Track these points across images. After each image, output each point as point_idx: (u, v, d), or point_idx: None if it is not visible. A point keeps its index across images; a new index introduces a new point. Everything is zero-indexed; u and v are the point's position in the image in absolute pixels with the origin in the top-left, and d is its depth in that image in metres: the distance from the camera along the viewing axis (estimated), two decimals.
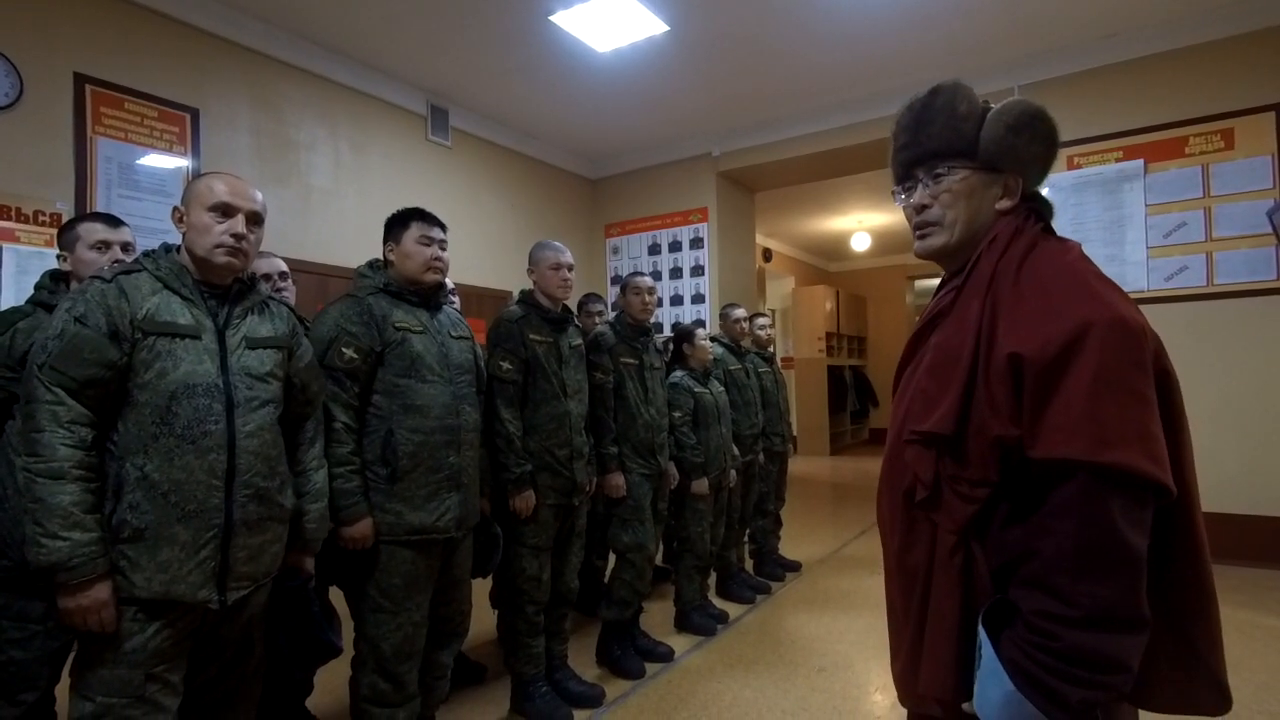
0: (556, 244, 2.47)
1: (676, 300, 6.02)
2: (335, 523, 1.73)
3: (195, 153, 3.63)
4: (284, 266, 2.25)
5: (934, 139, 0.99)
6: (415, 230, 1.96)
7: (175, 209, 1.46)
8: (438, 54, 4.31)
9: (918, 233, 1.05)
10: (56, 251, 1.77)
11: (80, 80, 3.21)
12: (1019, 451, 0.82)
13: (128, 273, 1.39)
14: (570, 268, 2.44)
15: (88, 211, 2.90)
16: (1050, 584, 0.78)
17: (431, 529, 1.84)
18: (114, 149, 3.31)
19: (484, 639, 3.06)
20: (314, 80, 4.20)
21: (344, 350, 1.80)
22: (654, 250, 6.14)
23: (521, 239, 5.45)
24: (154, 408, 1.33)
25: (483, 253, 5.29)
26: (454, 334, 2.02)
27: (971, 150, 0.98)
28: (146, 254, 1.45)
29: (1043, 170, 1.00)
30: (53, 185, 3.11)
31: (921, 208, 1.02)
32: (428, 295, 1.99)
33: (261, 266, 2.21)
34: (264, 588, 1.50)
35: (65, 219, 2.80)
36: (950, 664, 0.88)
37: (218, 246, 1.42)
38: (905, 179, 1.05)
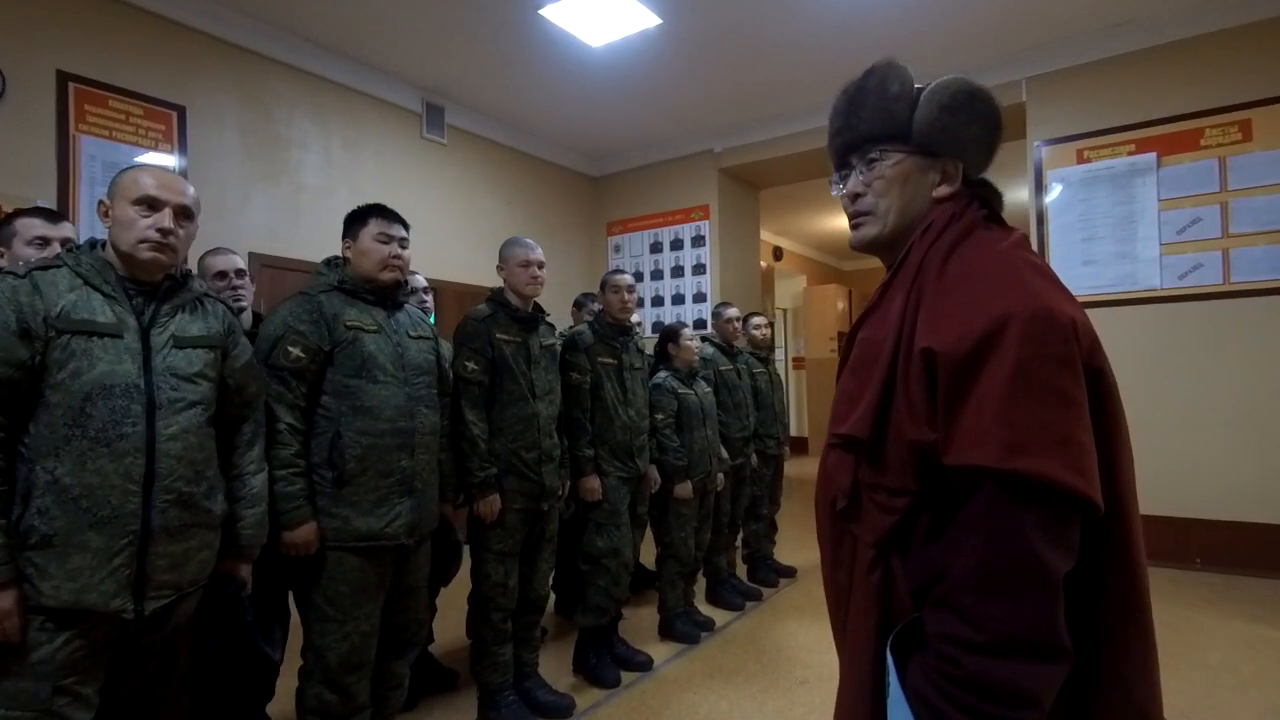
0: (527, 240, 2.40)
1: (678, 299, 5.93)
2: (277, 527, 1.67)
3: (183, 150, 3.61)
4: (241, 264, 2.20)
5: (866, 122, 0.92)
6: (373, 227, 1.90)
7: (101, 202, 1.41)
8: (430, 49, 4.26)
9: (852, 223, 0.98)
10: None
11: (63, 78, 3.20)
12: (937, 458, 0.74)
13: (45, 268, 1.33)
14: (541, 265, 2.37)
15: (57, 209, 2.88)
16: (956, 604, 0.70)
17: (380, 535, 1.77)
18: (98, 147, 3.30)
19: (459, 645, 2.99)
20: (304, 77, 4.17)
21: (290, 349, 1.74)
22: (655, 248, 6.06)
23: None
24: (66, 409, 1.27)
25: (479, 251, 5.22)
26: (413, 334, 1.95)
27: (905, 133, 0.90)
28: (68, 249, 1.40)
29: (985, 153, 0.92)
30: (35, 184, 3.10)
31: (855, 196, 0.95)
32: (384, 294, 1.92)
33: (218, 263, 2.17)
34: (191, 596, 1.44)
35: None
36: (865, 692, 0.81)
37: (141, 241, 1.37)
38: (842, 166, 0.99)
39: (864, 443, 0.81)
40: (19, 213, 1.77)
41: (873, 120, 0.91)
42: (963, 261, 0.80)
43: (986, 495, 0.69)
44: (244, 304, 2.21)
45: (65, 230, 1.76)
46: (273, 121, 4.03)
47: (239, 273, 2.17)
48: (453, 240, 4.91)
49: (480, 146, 5.33)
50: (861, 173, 0.93)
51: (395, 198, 4.75)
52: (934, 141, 0.89)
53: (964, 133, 0.89)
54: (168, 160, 3.54)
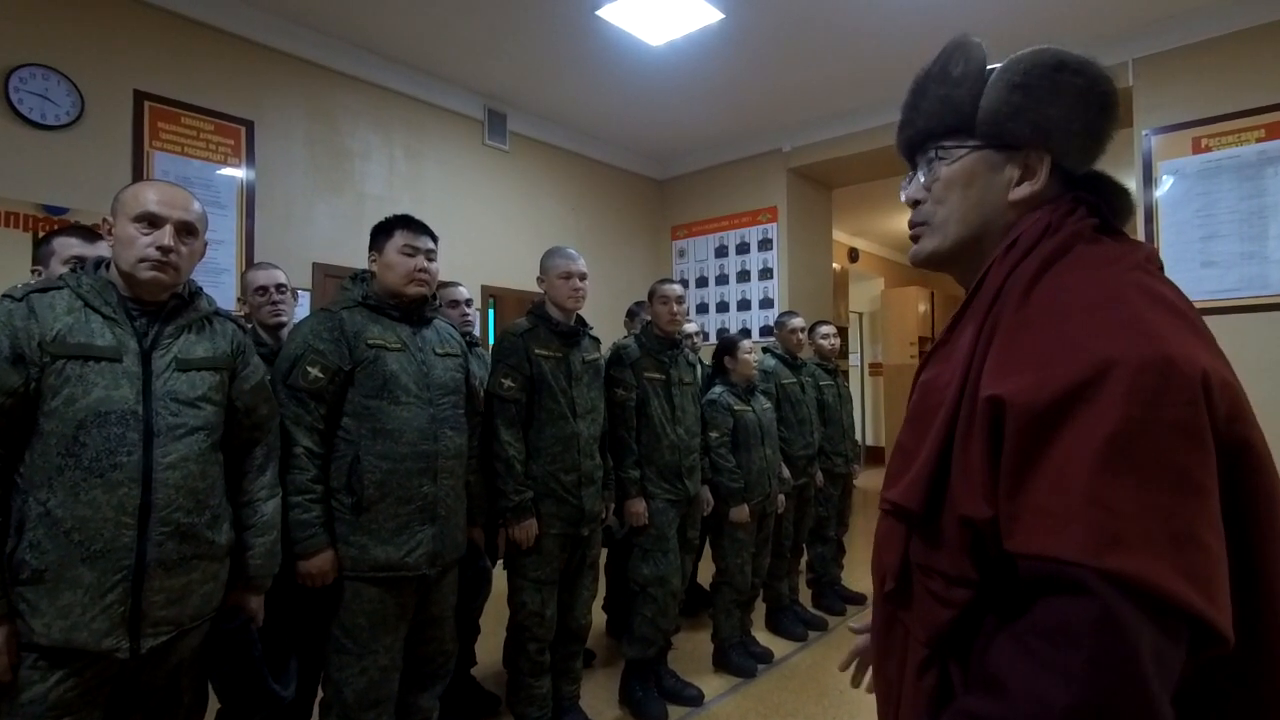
0: (569, 250, 2.27)
1: (743, 305, 5.70)
2: (293, 556, 1.60)
3: (251, 164, 3.69)
4: (283, 278, 2.17)
5: (925, 114, 0.76)
6: (399, 239, 1.81)
7: (104, 220, 1.37)
8: (490, 56, 4.22)
9: (910, 235, 0.82)
10: (31, 266, 1.74)
11: (139, 97, 3.32)
12: (996, 541, 0.57)
13: (44, 290, 1.30)
14: (583, 276, 2.24)
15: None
16: None
17: (400, 565, 1.68)
18: (170, 162, 3.41)
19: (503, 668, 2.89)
20: (367, 88, 4.22)
21: (309, 369, 1.66)
22: (721, 253, 5.85)
23: (583, 243, 5.30)
24: (60, 437, 1.22)
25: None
26: (439, 351, 1.85)
27: (970, 123, 0.72)
28: (73, 270, 1.36)
29: (1087, 141, 0.70)
30: (111, 200, 3.21)
31: (914, 203, 0.79)
32: (410, 309, 1.83)
33: (259, 278, 2.15)
34: (195, 631, 1.38)
35: None
36: None
37: (142, 260, 1.31)
38: (913, 167, 0.82)
39: (915, 514, 0.65)
40: (57, 231, 1.77)
41: (932, 111, 0.75)
42: (1054, 287, 0.62)
43: (1093, 602, 0.49)
44: (284, 319, 2.18)
45: (101, 249, 1.74)
46: (337, 133, 4.08)
47: (279, 287, 2.14)
48: (515, 247, 4.87)
49: (542, 152, 5.28)
50: (923, 175, 0.77)
51: (457, 206, 4.79)
52: (1005, 130, 0.70)
53: (1050, 116, 0.68)
54: (236, 174, 3.63)
